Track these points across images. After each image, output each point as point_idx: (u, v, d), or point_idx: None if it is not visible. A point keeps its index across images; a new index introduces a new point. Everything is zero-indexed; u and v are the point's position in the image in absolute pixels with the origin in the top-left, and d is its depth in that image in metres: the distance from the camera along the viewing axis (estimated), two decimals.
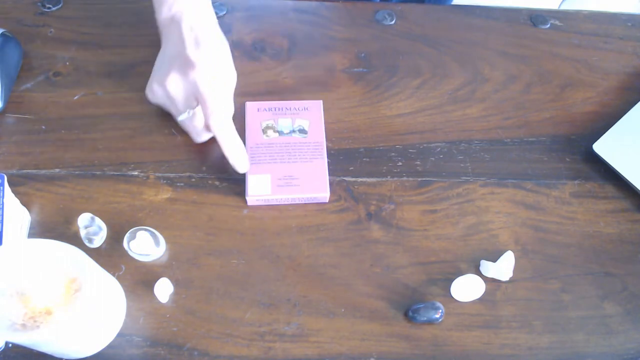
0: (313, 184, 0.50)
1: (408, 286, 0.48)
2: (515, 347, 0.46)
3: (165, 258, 0.48)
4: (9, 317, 0.37)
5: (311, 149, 0.52)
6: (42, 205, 0.50)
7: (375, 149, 0.55)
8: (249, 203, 0.50)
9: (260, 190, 0.50)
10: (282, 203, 0.51)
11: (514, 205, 0.53)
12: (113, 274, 0.46)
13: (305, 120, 0.54)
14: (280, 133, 0.53)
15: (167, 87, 0.49)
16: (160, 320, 0.45)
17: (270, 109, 0.55)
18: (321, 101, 0.56)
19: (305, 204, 0.51)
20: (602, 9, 0.68)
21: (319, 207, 0.51)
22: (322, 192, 0.50)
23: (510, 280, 0.49)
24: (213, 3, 0.63)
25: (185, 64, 0.48)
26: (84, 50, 0.59)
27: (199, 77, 0.47)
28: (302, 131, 0.53)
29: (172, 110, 0.52)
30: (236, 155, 0.50)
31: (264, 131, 0.53)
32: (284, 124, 0.54)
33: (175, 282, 0.47)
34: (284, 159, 0.52)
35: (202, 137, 0.52)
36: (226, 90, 0.50)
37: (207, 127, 0.50)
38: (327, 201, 0.51)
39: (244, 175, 0.52)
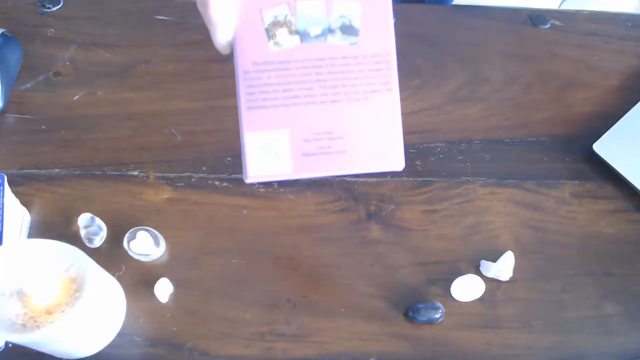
0: (374, 145, 0.29)
1: (408, 286, 0.48)
2: (515, 347, 0.46)
3: (165, 258, 0.48)
4: (9, 317, 0.37)
5: (368, 72, 0.30)
6: (42, 205, 0.49)
7: None
8: (249, 182, 0.31)
9: (271, 163, 0.29)
10: (309, 179, 0.34)
11: (514, 205, 0.52)
12: (113, 274, 0.46)
13: (354, 3, 0.28)
14: (304, 36, 0.29)
15: None
16: (160, 320, 0.45)
17: None
18: None
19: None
20: (602, 9, 0.68)
21: (318, 207, 0.51)
22: (392, 163, 0.30)
23: (510, 280, 0.49)
24: None
25: None
26: (84, 50, 0.58)
27: None
28: (349, 30, 0.29)
29: None
30: (223, 10, 0.28)
31: (271, 32, 0.29)
32: (311, 12, 0.28)
33: (175, 282, 0.47)
34: (314, 96, 0.29)
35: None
36: None
37: None
38: (401, 170, 0.32)
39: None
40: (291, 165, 0.29)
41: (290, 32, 0.29)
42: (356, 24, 0.29)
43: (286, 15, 0.29)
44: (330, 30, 0.29)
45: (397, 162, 0.30)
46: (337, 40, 0.29)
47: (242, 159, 0.30)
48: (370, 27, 0.30)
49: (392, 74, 0.31)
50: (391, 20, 0.31)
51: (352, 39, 0.29)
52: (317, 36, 0.29)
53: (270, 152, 0.29)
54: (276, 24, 0.29)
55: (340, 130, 0.29)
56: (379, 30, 0.30)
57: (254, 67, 0.29)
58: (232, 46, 0.29)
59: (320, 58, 0.29)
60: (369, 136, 0.29)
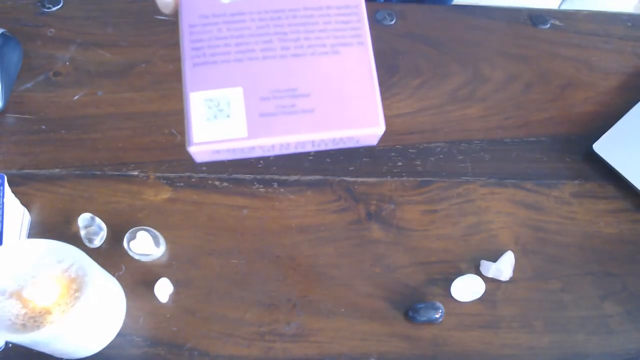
0: (346, 104, 0.25)
1: (408, 286, 0.48)
2: (515, 347, 0.46)
3: (165, 258, 0.48)
4: (9, 317, 0.37)
5: (335, 22, 0.26)
6: (42, 205, 0.49)
7: (375, 149, 0.55)
8: (197, 159, 0.25)
9: (221, 128, 0.24)
10: (276, 153, 0.26)
11: (514, 205, 0.52)
12: (113, 274, 0.46)
13: None
14: None
15: None
16: (160, 320, 0.45)
17: None
18: None
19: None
20: (602, 9, 0.68)
21: (318, 207, 0.51)
22: (369, 123, 0.25)
23: (510, 280, 0.49)
24: None
25: None
26: (84, 50, 0.58)
27: None
28: None
29: None
30: None
31: None
32: None
33: (175, 282, 0.47)
34: (273, 49, 0.25)
35: None
36: None
37: None
38: (376, 142, 0.27)
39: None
40: (246, 127, 0.24)
41: None
42: None
43: None
44: None
45: (374, 121, 0.25)
46: None
47: (186, 124, 0.24)
48: None
49: (363, 27, 0.27)
50: None
51: None
52: None
53: (220, 114, 0.24)
54: None
55: (306, 87, 0.24)
56: None
57: (201, 20, 0.25)
58: (176, 3, 0.26)
59: (279, 9, 0.25)
60: (340, 94, 0.25)
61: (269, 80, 0.24)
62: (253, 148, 0.24)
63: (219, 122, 0.23)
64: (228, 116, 0.24)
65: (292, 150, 0.25)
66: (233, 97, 0.24)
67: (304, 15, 0.25)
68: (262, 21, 0.25)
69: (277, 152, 0.25)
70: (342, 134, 0.25)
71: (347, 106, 0.24)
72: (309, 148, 0.25)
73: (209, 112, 0.24)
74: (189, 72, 0.25)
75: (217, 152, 0.24)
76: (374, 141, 0.26)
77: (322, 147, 0.25)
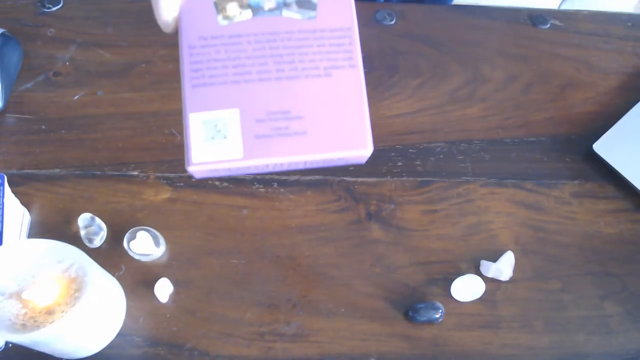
0: (337, 127, 0.25)
1: (408, 286, 0.48)
2: (515, 347, 0.46)
3: (165, 258, 0.48)
4: (9, 317, 0.37)
5: (328, 48, 0.26)
6: (42, 205, 0.49)
7: (375, 149, 0.55)
8: (196, 176, 0.26)
9: (218, 148, 0.25)
10: (270, 171, 0.28)
11: (514, 205, 0.52)
12: (113, 274, 0.46)
13: None
14: (257, 10, 0.26)
15: None
16: (160, 320, 0.45)
17: None
18: None
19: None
20: (602, 9, 0.68)
21: (318, 207, 0.51)
22: (358, 145, 0.26)
23: (510, 280, 0.49)
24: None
25: None
26: (84, 50, 0.59)
27: None
28: (305, 3, 0.26)
29: None
30: None
31: (219, 6, 0.26)
32: None
33: (175, 282, 0.47)
34: (268, 72, 0.26)
35: None
36: None
37: None
38: (364, 161, 0.27)
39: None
40: (242, 149, 0.25)
41: (242, 6, 0.26)
42: None
43: None
44: (285, 4, 0.26)
45: (362, 144, 0.26)
46: (293, 13, 0.26)
47: (185, 143, 0.25)
48: (329, 1, 0.27)
49: (354, 49, 0.27)
50: None
51: (310, 12, 0.26)
52: (272, 10, 0.26)
53: (218, 135, 0.25)
54: None
55: (300, 109, 0.25)
56: (338, 3, 0.27)
57: (200, 41, 0.26)
58: (177, 23, 0.27)
59: (275, 32, 0.26)
60: (332, 116, 0.25)
61: (264, 102, 0.25)
62: (248, 167, 0.25)
63: (217, 143, 0.24)
64: (225, 137, 0.25)
65: (285, 169, 0.26)
66: (230, 118, 0.25)
67: (298, 38, 0.26)
68: (258, 43, 0.26)
69: (270, 170, 0.26)
70: (332, 156, 0.26)
71: (338, 128, 0.25)
72: (300, 166, 0.26)
73: (207, 133, 0.25)
74: (189, 93, 0.25)
75: (215, 170, 0.25)
76: (362, 161, 0.26)
77: (314, 166, 0.26)
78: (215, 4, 0.26)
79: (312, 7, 0.26)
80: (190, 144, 0.25)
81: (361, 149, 0.26)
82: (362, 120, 0.26)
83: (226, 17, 0.26)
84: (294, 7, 0.26)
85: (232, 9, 0.26)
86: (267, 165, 0.26)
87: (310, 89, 0.26)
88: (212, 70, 0.26)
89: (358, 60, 0.27)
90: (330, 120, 0.25)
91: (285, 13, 0.26)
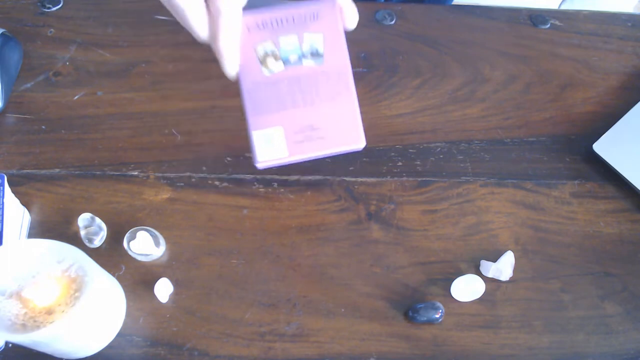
0: (342, 131, 0.39)
1: (408, 286, 0.48)
2: (515, 347, 0.46)
3: (165, 258, 0.48)
4: (9, 317, 0.37)
5: (333, 82, 0.39)
6: (42, 205, 0.49)
7: (375, 149, 0.55)
8: (260, 168, 0.40)
9: (272, 151, 0.39)
10: (302, 161, 0.41)
11: (514, 205, 0.52)
12: (113, 274, 0.46)
13: (317, 36, 0.39)
14: (286, 62, 0.39)
15: None
16: (160, 320, 0.45)
17: (266, 25, 0.39)
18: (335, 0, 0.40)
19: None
20: (602, 9, 0.68)
21: (318, 207, 0.51)
22: (356, 142, 0.40)
23: (510, 280, 0.49)
24: None
25: None
26: (84, 50, 0.59)
27: None
28: (316, 55, 0.39)
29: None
30: (231, 47, 0.38)
31: (263, 61, 0.39)
32: (289, 45, 0.39)
33: (175, 282, 0.47)
34: (297, 102, 0.39)
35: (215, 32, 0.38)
36: None
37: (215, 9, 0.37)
38: (361, 149, 0.41)
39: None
40: (287, 150, 0.39)
41: (276, 60, 0.39)
42: (321, 50, 0.40)
43: (272, 49, 0.39)
44: (304, 56, 0.40)
45: (358, 139, 0.40)
46: (309, 62, 0.40)
47: (251, 150, 0.40)
48: (330, 51, 0.40)
49: (349, 80, 0.40)
50: (344, 44, 0.40)
51: (319, 60, 0.40)
52: (295, 61, 0.40)
53: (271, 143, 0.39)
54: (266, 55, 0.40)
55: (318, 123, 0.39)
56: (336, 52, 0.40)
57: (253, 86, 0.39)
58: (237, 75, 0.40)
59: (298, 75, 0.39)
60: (337, 125, 0.39)
61: (296, 121, 0.39)
62: (290, 161, 0.40)
63: (270, 147, 0.39)
64: (275, 144, 0.39)
65: (312, 159, 0.40)
66: (277, 133, 0.39)
67: (314, 77, 0.39)
68: (289, 84, 0.39)
69: (305, 160, 0.40)
70: (340, 150, 0.40)
71: (342, 133, 0.40)
72: (321, 157, 0.40)
73: (264, 142, 0.39)
74: (251, 119, 0.39)
75: (271, 165, 0.40)
76: (360, 148, 0.40)
77: (326, 156, 0.41)
78: (260, 61, 0.39)
79: (321, 56, 0.40)
80: (255, 151, 0.39)
81: (358, 144, 0.40)
82: (357, 126, 0.40)
83: (267, 69, 0.39)
84: (309, 57, 0.40)
85: (271, 63, 0.39)
86: (302, 159, 0.40)
87: (323, 110, 0.39)
88: (263, 103, 0.39)
89: (352, 86, 0.40)
90: (337, 128, 0.39)
91: (304, 62, 0.39)
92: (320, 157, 0.40)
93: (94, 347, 0.43)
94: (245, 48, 0.39)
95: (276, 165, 0.40)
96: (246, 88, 0.39)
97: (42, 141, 0.53)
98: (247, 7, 0.38)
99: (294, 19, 0.39)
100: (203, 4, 0.37)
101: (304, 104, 0.39)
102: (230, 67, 0.38)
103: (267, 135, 0.39)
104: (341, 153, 0.40)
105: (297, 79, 0.39)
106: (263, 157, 0.39)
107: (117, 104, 0.56)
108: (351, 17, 0.41)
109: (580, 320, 0.47)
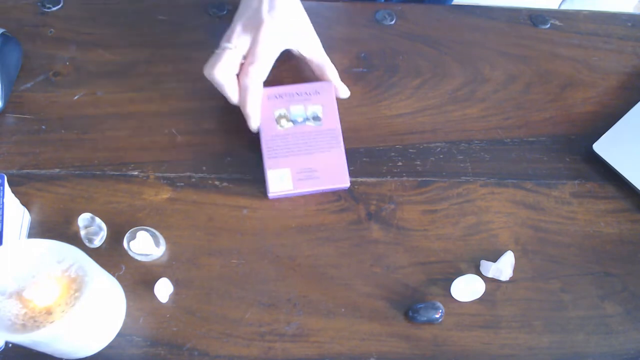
0: (333, 174, 0.51)
1: (408, 286, 0.48)
2: (515, 347, 0.46)
3: (165, 258, 0.48)
4: (9, 317, 0.37)
5: (327, 138, 0.52)
6: (42, 205, 0.49)
7: (375, 149, 0.55)
8: (271, 197, 0.51)
9: (281, 185, 0.50)
10: (302, 194, 0.51)
11: (514, 205, 0.52)
12: (113, 274, 0.46)
13: (317, 106, 0.53)
14: (294, 122, 0.52)
15: (232, 38, 0.51)
16: (160, 320, 0.45)
17: (280, 96, 0.53)
18: (332, 82, 0.55)
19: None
20: (602, 9, 0.68)
21: (318, 207, 0.51)
22: (342, 183, 0.51)
23: (510, 280, 0.49)
24: (214, 2, 0.63)
25: (255, 22, 0.51)
26: (84, 50, 0.59)
27: (263, 30, 0.50)
28: (316, 118, 0.52)
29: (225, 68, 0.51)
30: (255, 111, 0.52)
31: (278, 121, 0.52)
32: (297, 111, 0.53)
33: (175, 282, 0.47)
34: (302, 150, 0.51)
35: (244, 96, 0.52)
36: (276, 49, 0.52)
37: (243, 74, 0.51)
38: (346, 188, 0.52)
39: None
40: (292, 185, 0.50)
41: (288, 120, 0.52)
42: (320, 115, 0.53)
43: (285, 113, 0.52)
44: (307, 119, 0.52)
45: (344, 180, 0.51)
46: (311, 123, 0.52)
47: (265, 183, 0.51)
48: (327, 117, 0.53)
49: (339, 137, 0.52)
50: (337, 112, 0.53)
51: (319, 123, 0.52)
52: (301, 122, 0.52)
53: (281, 179, 0.50)
54: (280, 116, 0.52)
55: (315, 166, 0.51)
56: (331, 117, 0.53)
57: (270, 138, 0.51)
58: (259, 129, 0.52)
59: (303, 132, 0.52)
60: (329, 169, 0.51)
61: (300, 165, 0.51)
62: (295, 193, 0.51)
63: (280, 182, 0.50)
64: (284, 180, 0.50)
65: (309, 193, 0.52)
66: (285, 172, 0.50)
67: (314, 134, 0.52)
68: (296, 138, 0.51)
69: (302, 194, 0.52)
70: (331, 187, 0.51)
71: (333, 175, 0.51)
72: (316, 192, 0.52)
73: (276, 179, 0.50)
74: (267, 161, 0.51)
75: (280, 195, 0.51)
76: (345, 187, 0.52)
77: (320, 192, 0.52)
78: (275, 120, 0.52)
79: (320, 120, 0.52)
80: (269, 184, 0.50)
81: (345, 184, 0.51)
82: (345, 171, 0.51)
83: (281, 126, 0.52)
84: (311, 120, 0.52)
85: (283, 122, 0.52)
86: (302, 192, 0.51)
87: (320, 157, 0.51)
88: (276, 151, 0.51)
89: (341, 141, 0.52)
90: (329, 171, 0.51)
91: (308, 123, 0.52)
92: (316, 192, 0.51)
93: (94, 347, 0.43)
94: (265, 111, 0.52)
95: (283, 196, 0.51)
96: (265, 139, 0.51)
97: (42, 141, 0.53)
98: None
99: (301, 93, 0.53)
100: (236, 81, 0.51)
101: (306, 153, 0.51)
102: (254, 124, 0.52)
103: (278, 173, 0.50)
104: (331, 190, 0.52)
105: (301, 135, 0.52)
106: (274, 189, 0.50)
107: (117, 104, 0.56)
108: (343, 92, 0.55)
109: (580, 320, 0.47)
